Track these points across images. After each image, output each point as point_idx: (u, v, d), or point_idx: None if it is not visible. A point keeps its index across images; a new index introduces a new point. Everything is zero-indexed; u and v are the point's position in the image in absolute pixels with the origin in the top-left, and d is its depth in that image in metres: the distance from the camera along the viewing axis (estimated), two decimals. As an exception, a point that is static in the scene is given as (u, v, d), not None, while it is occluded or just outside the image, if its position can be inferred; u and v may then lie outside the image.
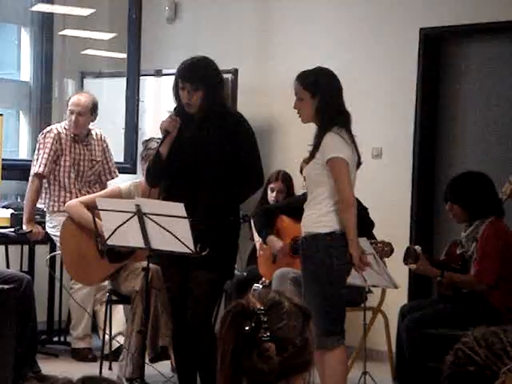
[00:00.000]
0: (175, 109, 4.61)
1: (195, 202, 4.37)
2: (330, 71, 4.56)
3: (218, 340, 1.93)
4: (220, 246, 4.46)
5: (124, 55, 7.17)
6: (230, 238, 4.59)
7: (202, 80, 4.49)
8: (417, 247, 5.20)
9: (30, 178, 6.10)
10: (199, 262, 4.33)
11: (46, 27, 7.26)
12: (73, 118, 6.11)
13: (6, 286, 4.71)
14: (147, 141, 5.56)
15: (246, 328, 1.85)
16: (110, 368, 5.68)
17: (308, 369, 1.93)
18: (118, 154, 6.68)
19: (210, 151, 4.48)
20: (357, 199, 4.56)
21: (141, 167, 5.59)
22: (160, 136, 4.67)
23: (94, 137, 6.32)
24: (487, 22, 6.13)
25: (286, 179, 6.30)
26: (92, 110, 6.16)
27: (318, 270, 4.39)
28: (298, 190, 6.14)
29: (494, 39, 6.29)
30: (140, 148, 5.74)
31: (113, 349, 5.77)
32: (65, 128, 6.18)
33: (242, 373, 1.87)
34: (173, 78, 4.65)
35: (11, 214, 6.18)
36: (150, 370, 5.11)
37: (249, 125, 4.63)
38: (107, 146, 6.40)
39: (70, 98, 6.29)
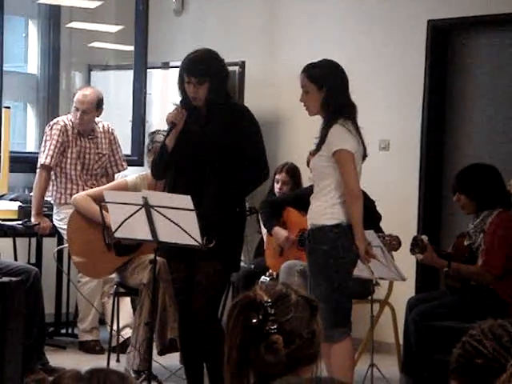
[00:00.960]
0: (181, 101, 4.60)
1: (201, 194, 4.37)
2: (335, 63, 4.55)
3: (225, 332, 1.93)
4: (226, 238, 4.46)
5: (131, 48, 7.17)
6: (236, 229, 4.59)
7: (207, 73, 4.48)
8: (424, 237, 5.19)
9: (38, 170, 6.11)
10: (205, 254, 4.33)
11: (53, 20, 7.26)
12: (78, 115, 6.11)
13: (13, 279, 4.71)
14: (153, 133, 5.56)
15: (254, 320, 1.85)
16: (118, 360, 5.69)
17: (315, 361, 1.92)
18: (125, 147, 6.68)
19: (215, 144, 4.48)
20: (364, 192, 4.56)
21: (147, 160, 5.59)
22: (166, 128, 4.66)
23: (101, 129, 6.31)
24: (496, 13, 6.10)
25: (291, 171, 6.30)
26: (97, 105, 6.16)
27: (325, 262, 4.39)
28: (306, 183, 6.13)
29: (502, 31, 6.27)
30: (147, 140, 5.74)
31: (120, 341, 5.78)
32: (71, 121, 6.18)
33: (249, 365, 1.87)
34: (179, 69, 4.64)
35: (19, 207, 6.19)
36: (156, 362, 5.11)
37: (254, 117, 4.63)
38: (115, 138, 6.39)
39: (75, 93, 6.29)
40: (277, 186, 6.27)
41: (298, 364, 1.89)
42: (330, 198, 4.41)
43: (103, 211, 4.92)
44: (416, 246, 5.13)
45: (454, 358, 1.65)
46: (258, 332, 1.86)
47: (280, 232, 5.73)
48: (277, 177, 6.29)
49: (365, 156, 4.53)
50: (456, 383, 1.64)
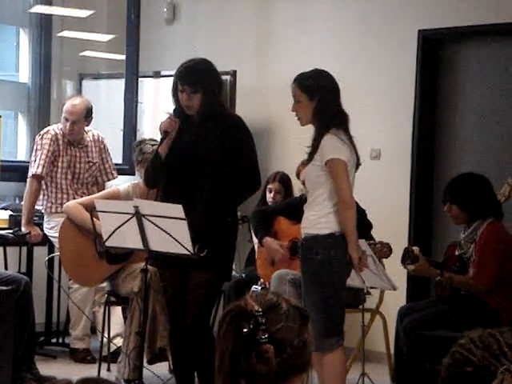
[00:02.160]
0: (174, 110, 4.61)
1: (193, 204, 4.37)
2: (327, 73, 4.56)
3: (215, 342, 1.93)
4: (218, 248, 4.46)
5: (122, 57, 7.17)
6: (227, 239, 4.59)
7: (201, 83, 4.49)
8: (415, 248, 5.20)
9: (28, 180, 6.10)
10: (197, 264, 4.34)
11: (44, 29, 7.26)
12: (67, 125, 6.11)
13: (4, 288, 4.71)
14: (140, 143, 5.52)
15: (245, 330, 1.85)
16: (109, 369, 5.67)
17: (306, 370, 1.93)
18: (116, 156, 6.68)
19: (208, 153, 4.48)
20: (355, 201, 4.56)
21: (137, 170, 5.55)
22: (157, 137, 4.67)
23: (91, 138, 6.32)
24: (486, 23, 6.13)
25: (283, 180, 6.31)
26: (86, 115, 6.16)
27: (318, 272, 4.39)
28: (297, 193, 6.14)
29: (492, 41, 6.29)
30: (135, 151, 5.71)
31: (111, 350, 5.77)
32: (61, 130, 6.18)
33: (240, 374, 1.87)
34: (171, 79, 4.66)
35: (10, 216, 6.18)
36: (148, 371, 5.10)
37: (247, 127, 4.64)
38: (105, 147, 6.40)
39: (64, 103, 6.28)
40: (270, 196, 6.28)
41: (289, 373, 1.89)
42: (323, 207, 4.42)
43: (94, 219, 4.91)
44: (407, 257, 5.13)
45: (444, 367, 1.66)
46: (249, 341, 1.86)
47: (271, 244, 5.68)
48: (269, 186, 6.29)
49: (358, 165, 4.55)
50: None
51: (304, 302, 4.48)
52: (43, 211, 6.21)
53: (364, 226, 5.33)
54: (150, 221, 4.30)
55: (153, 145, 5.25)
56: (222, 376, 1.89)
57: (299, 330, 1.91)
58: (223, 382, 1.89)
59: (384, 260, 5.13)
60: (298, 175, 5.88)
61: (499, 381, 1.53)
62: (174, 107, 4.63)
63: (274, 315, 1.89)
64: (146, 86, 7.27)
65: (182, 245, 4.22)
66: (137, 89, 7.06)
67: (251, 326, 1.85)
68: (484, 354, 1.58)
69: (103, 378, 1.52)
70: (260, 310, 1.88)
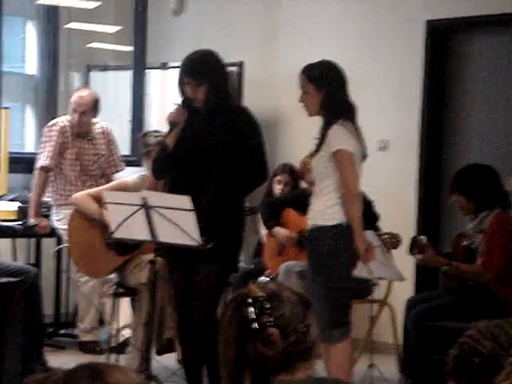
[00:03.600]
0: (183, 101, 4.61)
1: (200, 195, 4.37)
2: (334, 64, 4.56)
3: (220, 329, 1.94)
4: (224, 239, 4.46)
5: (130, 48, 7.17)
6: (234, 230, 4.59)
7: (206, 75, 4.48)
8: (422, 237, 5.20)
9: (36, 172, 6.11)
10: (204, 255, 4.34)
11: (51, 20, 7.25)
12: (76, 117, 6.12)
13: (12, 279, 4.71)
14: (144, 136, 5.51)
15: (251, 313, 1.87)
16: (117, 360, 5.69)
17: (311, 357, 1.94)
18: (123, 147, 6.69)
19: (215, 145, 4.48)
20: (362, 192, 4.56)
21: (145, 162, 5.54)
22: (164, 129, 4.67)
23: (99, 130, 6.32)
24: (494, 13, 6.11)
25: (292, 171, 6.30)
26: (94, 107, 6.17)
27: (325, 262, 4.40)
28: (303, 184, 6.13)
29: (500, 31, 6.27)
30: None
31: (120, 341, 5.78)
32: (69, 122, 6.19)
33: (246, 362, 1.88)
34: (178, 70, 4.65)
35: (18, 207, 6.19)
36: (156, 362, 5.12)
37: (255, 118, 4.62)
38: (112, 138, 6.40)
39: (72, 95, 6.29)
40: (278, 187, 6.26)
41: (294, 359, 1.90)
42: (330, 198, 4.42)
43: (104, 211, 4.92)
44: (415, 246, 5.13)
45: (451, 358, 1.66)
46: (254, 326, 1.87)
47: (280, 231, 5.75)
48: (278, 178, 6.27)
49: (365, 156, 4.54)
50: (453, 382, 1.65)
51: (311, 293, 4.48)
52: (51, 203, 6.22)
53: (371, 217, 5.33)
54: (158, 212, 4.30)
55: (156, 136, 5.25)
56: (227, 365, 1.90)
57: (302, 316, 1.92)
58: (229, 371, 1.90)
59: (392, 251, 5.13)
60: (301, 175, 5.89)
61: (507, 372, 1.53)
62: (182, 99, 4.62)
63: (277, 302, 1.90)
64: (153, 77, 7.27)
65: (190, 236, 4.22)
66: (144, 80, 7.07)
67: (256, 311, 1.86)
68: (492, 345, 1.58)
69: (93, 363, 1.52)
70: (264, 295, 1.89)
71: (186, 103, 4.57)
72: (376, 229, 5.38)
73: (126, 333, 5.83)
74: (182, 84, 4.56)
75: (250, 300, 1.89)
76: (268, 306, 1.87)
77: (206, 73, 4.49)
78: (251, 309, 1.87)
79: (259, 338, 1.85)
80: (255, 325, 1.85)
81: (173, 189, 4.56)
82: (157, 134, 5.27)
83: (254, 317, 1.86)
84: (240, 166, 4.49)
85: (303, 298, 1.96)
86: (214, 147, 4.48)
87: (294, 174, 6.30)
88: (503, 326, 1.62)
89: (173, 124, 4.54)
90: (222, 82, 4.57)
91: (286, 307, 1.90)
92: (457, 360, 1.64)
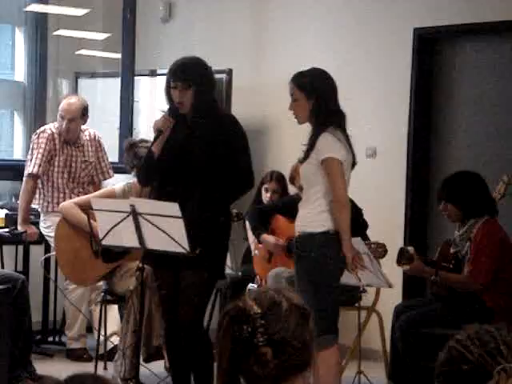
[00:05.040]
0: (169, 109, 4.61)
1: (185, 203, 4.36)
2: (324, 71, 4.57)
3: (211, 341, 1.94)
4: (210, 246, 4.45)
5: (118, 55, 7.17)
6: (220, 238, 4.58)
7: (193, 79, 4.49)
8: (410, 248, 5.21)
9: (24, 179, 6.10)
10: (190, 262, 4.33)
11: (40, 27, 7.25)
12: (64, 124, 6.11)
13: (0, 287, 4.70)
14: (131, 147, 5.39)
15: (243, 333, 1.85)
16: (105, 368, 5.68)
17: (306, 368, 1.93)
18: (112, 154, 6.68)
19: (200, 152, 4.48)
20: (351, 200, 4.57)
21: (133, 173, 5.47)
22: (143, 138, 4.67)
23: (87, 137, 6.31)
24: (481, 22, 6.13)
25: (280, 179, 6.30)
26: (82, 114, 6.16)
27: (312, 269, 4.40)
28: (292, 191, 6.14)
29: (487, 39, 6.30)
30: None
31: (108, 349, 5.77)
32: (57, 129, 6.18)
33: (239, 373, 1.88)
34: (166, 75, 4.65)
35: (6, 215, 6.18)
36: (144, 369, 5.11)
37: (240, 126, 4.63)
38: (101, 145, 6.39)
39: (60, 102, 6.28)
40: (266, 195, 6.26)
41: (290, 373, 1.89)
42: (317, 205, 4.42)
43: (90, 219, 4.91)
44: (402, 257, 5.14)
45: (440, 362, 1.64)
46: (247, 344, 1.86)
47: (268, 238, 5.72)
48: (266, 186, 6.27)
49: (354, 164, 4.55)
50: None
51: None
52: (39, 210, 6.21)
53: (360, 226, 5.33)
54: (146, 219, 4.30)
55: (146, 147, 5.20)
56: (221, 376, 1.89)
57: (300, 329, 1.91)
58: (223, 380, 1.89)
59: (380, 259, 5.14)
60: (291, 180, 5.89)
61: (495, 381, 1.52)
62: (168, 106, 4.63)
63: (274, 316, 1.88)
64: (141, 84, 7.27)
65: (178, 243, 4.22)
66: (133, 87, 7.06)
67: (249, 329, 1.85)
68: (481, 352, 1.57)
69: (91, 373, 1.52)
70: (259, 311, 1.87)
71: (173, 110, 4.57)
72: (365, 237, 5.39)
73: (114, 340, 5.82)
74: (168, 88, 4.56)
75: (244, 317, 1.87)
76: (262, 322, 1.86)
77: (193, 77, 4.50)
78: (245, 327, 1.86)
79: (252, 356, 1.84)
80: (248, 344, 1.85)
81: (159, 196, 4.55)
82: (146, 145, 5.15)
83: (248, 335, 1.85)
84: (226, 172, 4.50)
85: (301, 308, 1.94)
86: (200, 154, 4.48)
87: (283, 182, 6.30)
88: (492, 332, 1.60)
89: (159, 131, 4.54)
90: (209, 88, 4.58)
91: (283, 322, 1.88)
92: (446, 364, 1.63)
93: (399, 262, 5.15)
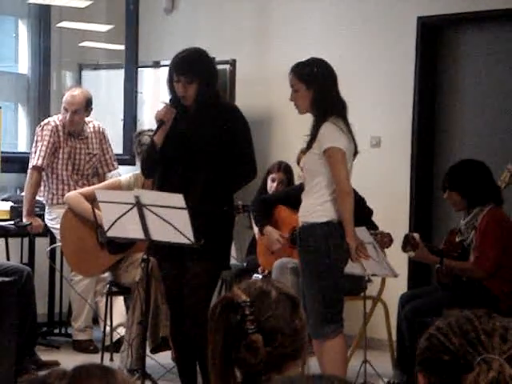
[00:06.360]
0: (171, 100, 4.61)
1: (188, 193, 4.36)
2: (323, 61, 4.56)
3: (208, 331, 1.95)
4: (215, 237, 4.45)
5: (122, 47, 7.16)
6: (224, 228, 4.58)
7: (196, 72, 4.48)
8: (415, 234, 5.21)
9: (29, 171, 6.11)
10: (194, 253, 4.34)
11: (43, 19, 7.24)
12: (67, 116, 6.11)
13: (6, 279, 4.71)
14: (139, 135, 5.51)
15: (232, 321, 1.87)
16: (112, 359, 5.69)
17: (300, 356, 1.93)
18: (116, 146, 6.68)
19: (203, 142, 4.48)
20: (353, 189, 4.57)
21: (138, 161, 5.54)
22: (151, 128, 4.66)
23: (92, 129, 6.32)
24: (485, 10, 6.12)
25: (287, 170, 6.28)
26: (86, 105, 6.16)
27: (316, 259, 4.40)
28: (297, 181, 6.13)
29: (491, 27, 6.28)
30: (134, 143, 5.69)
31: (114, 340, 5.78)
32: (61, 121, 6.18)
33: (233, 364, 1.89)
34: (168, 68, 4.65)
35: (11, 207, 6.18)
36: (151, 360, 5.12)
37: (243, 116, 4.63)
38: (105, 137, 6.40)
39: (64, 94, 6.28)
40: (273, 185, 6.24)
41: (282, 360, 1.90)
42: (320, 195, 4.42)
43: (95, 210, 4.92)
44: (408, 243, 5.14)
45: (420, 349, 1.62)
46: (237, 332, 1.87)
47: (272, 233, 5.69)
48: (272, 176, 6.25)
49: (356, 153, 4.55)
50: (422, 377, 1.62)
51: (303, 290, 4.49)
52: (44, 202, 6.21)
53: (363, 213, 5.33)
54: (150, 211, 4.30)
55: (149, 135, 5.24)
56: (215, 367, 1.90)
57: (290, 316, 1.92)
58: (217, 372, 1.90)
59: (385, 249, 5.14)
60: (298, 161, 5.88)
61: (476, 373, 1.50)
62: (170, 97, 4.63)
63: (263, 304, 1.90)
64: (145, 75, 7.26)
65: (183, 234, 4.22)
66: (136, 79, 7.06)
67: (238, 318, 1.86)
68: (462, 342, 1.54)
69: (98, 363, 1.52)
70: (248, 300, 1.89)
71: (175, 101, 4.57)
72: (371, 224, 5.39)
73: (121, 331, 5.84)
74: (171, 81, 4.56)
75: (233, 305, 1.88)
76: (252, 311, 1.87)
77: (196, 70, 4.49)
78: (234, 315, 1.87)
79: (242, 345, 1.85)
80: (238, 331, 1.86)
81: (162, 187, 4.56)
82: (151, 133, 5.24)
83: (237, 323, 1.86)
84: (229, 163, 4.50)
85: (291, 297, 1.95)
86: (203, 144, 4.48)
87: (290, 174, 6.28)
88: (472, 320, 1.57)
89: (161, 122, 4.54)
90: (212, 80, 4.58)
91: (272, 310, 1.89)
92: (426, 353, 1.61)
93: (404, 248, 5.15)
